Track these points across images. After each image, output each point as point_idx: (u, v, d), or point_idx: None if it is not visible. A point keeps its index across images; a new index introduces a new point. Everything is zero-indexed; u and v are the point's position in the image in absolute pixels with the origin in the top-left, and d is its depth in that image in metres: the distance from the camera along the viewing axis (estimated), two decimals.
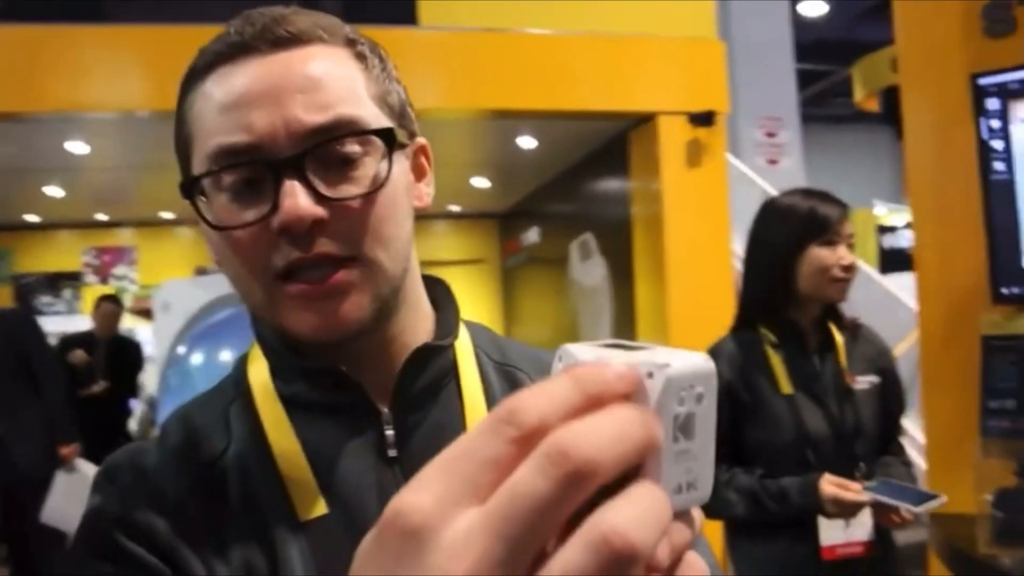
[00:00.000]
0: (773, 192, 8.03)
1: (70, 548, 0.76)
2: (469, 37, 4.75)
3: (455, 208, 8.46)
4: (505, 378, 0.85)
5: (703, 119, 4.92)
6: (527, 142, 5.91)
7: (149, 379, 5.18)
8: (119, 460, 0.77)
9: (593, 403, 0.31)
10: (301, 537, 0.72)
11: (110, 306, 5.86)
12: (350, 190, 0.71)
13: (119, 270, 8.46)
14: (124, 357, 5.83)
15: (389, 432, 0.77)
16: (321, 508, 0.73)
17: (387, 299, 0.75)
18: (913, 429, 5.57)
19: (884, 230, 8.98)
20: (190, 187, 0.74)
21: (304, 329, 0.72)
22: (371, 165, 0.73)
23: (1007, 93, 2.47)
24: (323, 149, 0.70)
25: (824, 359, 2.11)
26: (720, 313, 4.23)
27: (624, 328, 5.52)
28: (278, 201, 0.69)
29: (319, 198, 0.70)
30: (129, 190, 6.95)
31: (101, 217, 8.16)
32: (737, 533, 2.09)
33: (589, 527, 0.29)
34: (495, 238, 8.95)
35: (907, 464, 2.20)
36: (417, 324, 0.82)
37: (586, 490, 0.30)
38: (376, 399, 0.77)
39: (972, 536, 2.16)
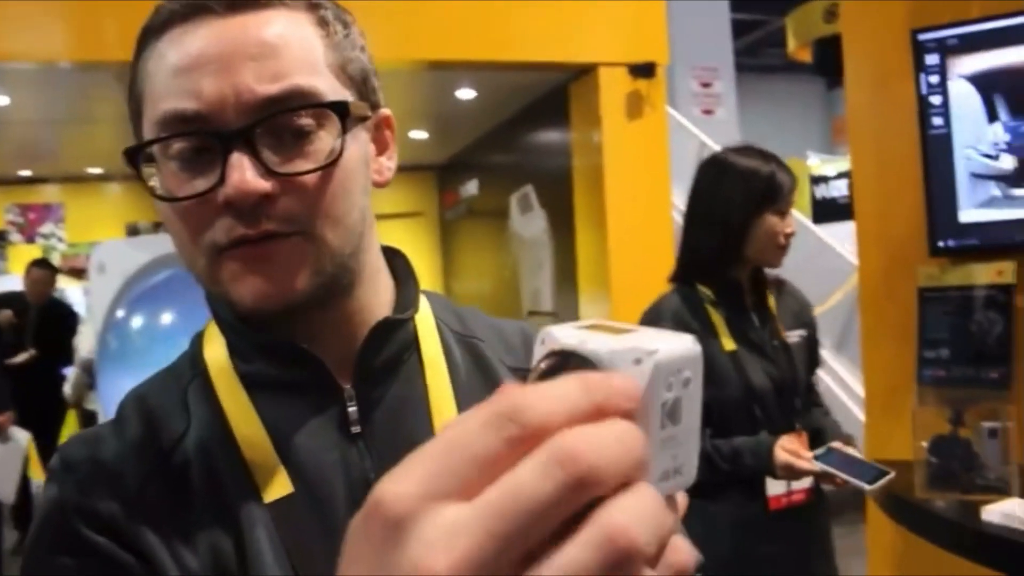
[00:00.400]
0: (710, 142, 8.06)
1: (28, 543, 0.73)
2: None
3: None
4: (467, 349, 0.85)
5: (643, 71, 4.93)
6: (465, 93, 5.85)
7: (83, 342, 5.08)
8: (75, 448, 0.75)
9: (599, 412, 0.31)
10: (267, 518, 0.71)
11: (40, 272, 5.68)
12: (302, 165, 0.69)
13: (46, 228, 8.21)
14: (56, 322, 5.66)
15: (352, 408, 0.76)
16: (286, 487, 0.72)
17: (332, 275, 0.73)
18: (851, 379, 5.75)
19: (817, 180, 9.12)
20: (134, 154, 0.71)
21: (247, 296, 0.70)
22: (325, 139, 0.70)
23: (945, 49, 2.52)
24: (275, 121, 0.68)
25: (760, 315, 2.16)
26: (660, 263, 4.28)
27: (565, 279, 5.55)
28: (225, 174, 0.67)
29: (268, 172, 0.68)
30: (54, 144, 6.72)
31: (25, 173, 7.88)
32: (689, 492, 2.14)
33: (594, 526, 0.29)
34: (433, 190, 8.88)
35: (827, 413, 2.30)
36: (376, 298, 0.80)
37: (587, 497, 0.29)
38: (337, 375, 0.76)
39: (908, 481, 2.24)
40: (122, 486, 0.70)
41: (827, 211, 8.51)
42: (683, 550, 0.34)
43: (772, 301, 2.18)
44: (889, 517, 2.42)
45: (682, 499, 0.38)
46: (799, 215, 7.06)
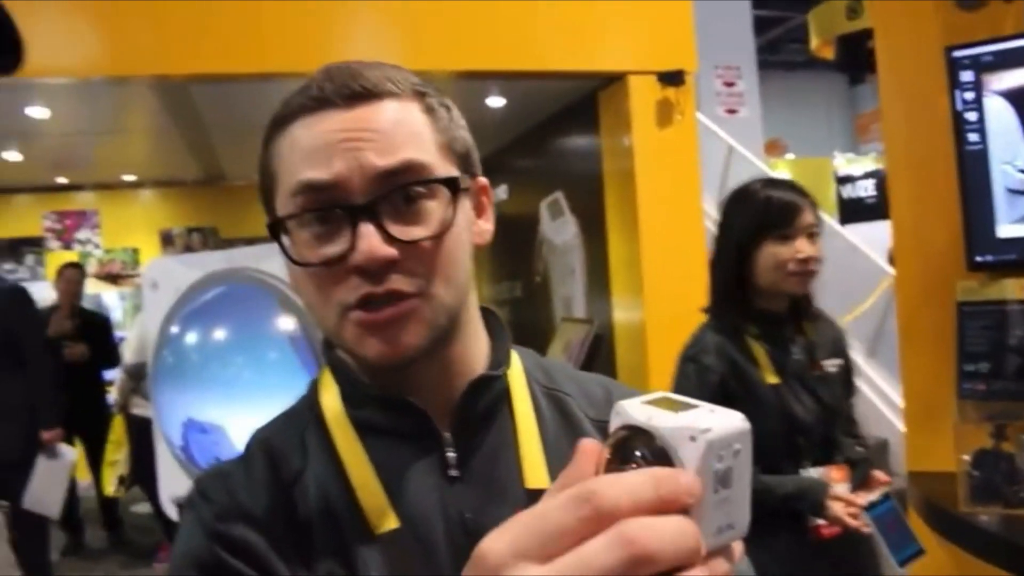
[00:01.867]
0: (739, 147, 7.99)
1: (173, 560, 0.81)
2: None
3: None
4: (553, 402, 0.93)
5: (673, 79, 4.95)
6: (495, 101, 5.90)
7: (128, 348, 5.22)
8: (210, 482, 0.84)
9: (662, 504, 0.39)
10: (376, 549, 0.79)
11: (73, 272, 5.85)
12: (419, 232, 0.78)
13: (82, 234, 8.34)
14: (96, 327, 5.80)
15: (451, 454, 0.84)
16: (392, 523, 0.80)
17: (443, 327, 0.82)
18: (886, 385, 5.73)
19: (843, 180, 9.07)
20: (276, 226, 0.81)
21: (370, 354, 0.79)
22: (438, 209, 0.80)
23: (980, 66, 2.55)
24: (395, 193, 0.78)
25: (800, 347, 2.17)
26: (692, 269, 4.33)
27: (597, 285, 5.59)
28: (355, 242, 0.76)
29: (390, 239, 0.77)
30: (89, 153, 6.85)
31: (61, 180, 8.02)
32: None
33: None
34: None
35: (863, 446, 2.30)
36: (472, 353, 0.89)
37: (642, 573, 0.37)
38: (437, 423, 0.84)
39: (951, 494, 2.28)
40: (252, 517, 0.80)
41: (854, 211, 8.49)
42: None
43: (810, 331, 2.19)
44: (932, 530, 2.46)
45: (738, 547, 0.45)
46: (825, 217, 7.04)
